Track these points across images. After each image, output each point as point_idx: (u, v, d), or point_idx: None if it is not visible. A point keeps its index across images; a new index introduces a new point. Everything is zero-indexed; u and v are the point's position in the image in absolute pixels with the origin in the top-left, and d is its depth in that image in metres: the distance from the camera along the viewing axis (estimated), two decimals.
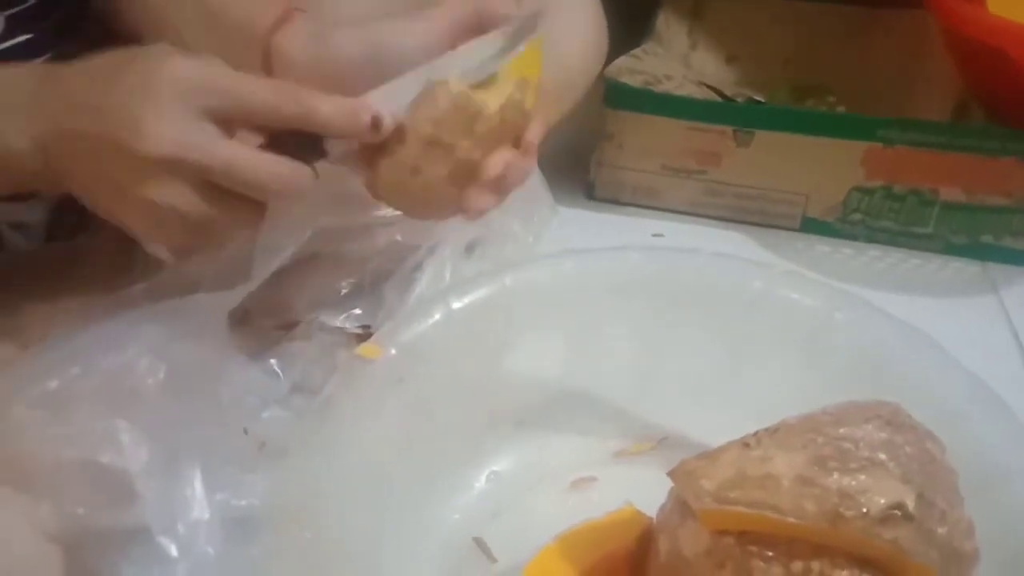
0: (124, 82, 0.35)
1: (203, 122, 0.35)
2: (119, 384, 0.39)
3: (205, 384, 0.43)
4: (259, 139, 0.38)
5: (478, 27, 0.41)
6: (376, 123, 0.37)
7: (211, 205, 0.37)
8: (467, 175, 0.40)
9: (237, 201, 0.38)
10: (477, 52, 0.41)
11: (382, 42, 0.40)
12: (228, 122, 0.37)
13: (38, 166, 0.37)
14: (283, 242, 0.45)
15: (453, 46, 0.41)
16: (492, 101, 0.39)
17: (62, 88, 0.37)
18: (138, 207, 0.37)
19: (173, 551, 0.37)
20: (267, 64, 0.42)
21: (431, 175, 0.40)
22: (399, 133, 0.39)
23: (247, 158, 0.36)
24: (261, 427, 0.46)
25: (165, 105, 0.35)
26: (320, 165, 0.44)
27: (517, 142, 0.41)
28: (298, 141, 0.38)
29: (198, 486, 0.39)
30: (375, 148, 0.40)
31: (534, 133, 0.42)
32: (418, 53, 0.40)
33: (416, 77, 0.39)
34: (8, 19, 0.47)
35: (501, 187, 0.41)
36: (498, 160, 0.40)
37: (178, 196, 0.36)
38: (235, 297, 0.44)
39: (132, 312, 0.42)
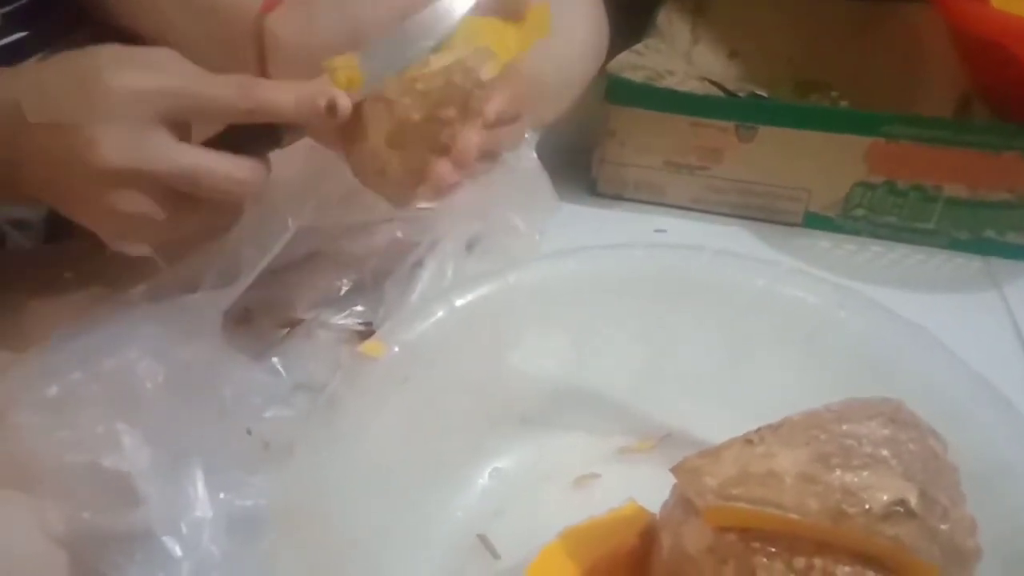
0: (72, 95, 0.35)
1: (156, 129, 0.35)
2: (120, 387, 0.39)
3: (205, 384, 0.43)
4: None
5: None
6: (332, 106, 0.37)
7: (175, 209, 0.37)
8: (417, 144, 0.40)
9: (202, 203, 0.38)
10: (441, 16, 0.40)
11: (359, 17, 0.40)
12: (182, 122, 0.37)
13: (5, 182, 0.37)
14: (270, 239, 0.45)
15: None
16: (435, 61, 0.38)
17: (14, 105, 0.36)
18: (103, 215, 0.37)
19: (177, 551, 0.37)
20: (259, 46, 0.42)
21: (376, 140, 0.39)
22: (357, 111, 0.38)
23: (203, 164, 0.36)
24: (264, 426, 0.46)
25: (117, 116, 0.35)
26: (320, 162, 0.44)
27: (469, 111, 0.40)
28: (253, 130, 0.38)
29: (200, 486, 0.39)
30: (344, 129, 0.39)
31: (493, 105, 0.40)
32: (394, 23, 0.40)
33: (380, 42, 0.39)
34: (4, 17, 0.47)
35: (463, 162, 0.40)
36: (467, 135, 0.40)
37: (140, 203, 0.36)
38: (229, 296, 0.44)
39: (131, 313, 0.42)
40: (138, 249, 0.44)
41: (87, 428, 0.37)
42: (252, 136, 0.38)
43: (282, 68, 0.42)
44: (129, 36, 0.50)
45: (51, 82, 0.36)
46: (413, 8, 0.40)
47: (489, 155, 0.43)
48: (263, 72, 0.43)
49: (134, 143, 0.35)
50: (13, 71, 0.38)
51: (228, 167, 0.37)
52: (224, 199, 0.38)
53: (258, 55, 0.43)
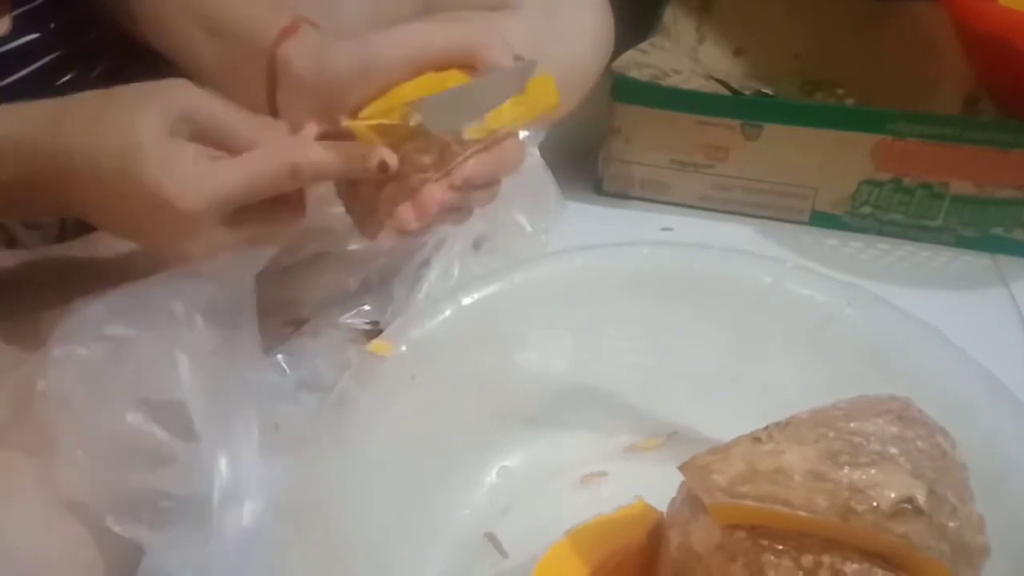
0: (136, 207, 0.36)
1: (220, 225, 0.37)
2: (169, 331, 0.38)
3: (234, 371, 0.42)
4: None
5: (467, 64, 0.41)
6: (384, 167, 0.39)
7: (247, 227, 0.38)
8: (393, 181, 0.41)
9: (264, 209, 0.39)
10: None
11: (373, 54, 0.40)
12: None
13: (27, 198, 0.39)
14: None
15: (437, 69, 0.41)
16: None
17: (67, 140, 0.37)
18: (186, 259, 0.38)
19: (224, 469, 0.37)
20: (272, 76, 0.42)
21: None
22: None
23: (260, 169, 0.37)
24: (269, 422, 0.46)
25: (188, 229, 0.36)
26: None
27: (444, 163, 0.40)
28: None
29: (253, 422, 0.39)
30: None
31: (464, 170, 0.40)
32: (406, 67, 0.40)
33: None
34: (15, 18, 0.47)
35: (422, 213, 0.40)
36: (430, 189, 0.40)
37: (219, 240, 0.38)
38: (261, 260, 0.43)
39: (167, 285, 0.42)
40: None
41: (147, 355, 0.37)
42: None
43: (291, 97, 0.42)
44: (143, 47, 0.50)
45: (103, 175, 0.36)
46: (428, 50, 0.40)
47: (456, 212, 0.43)
48: (271, 99, 0.43)
49: (212, 243, 0.37)
50: (49, 114, 0.38)
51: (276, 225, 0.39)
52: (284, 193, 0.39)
53: (269, 83, 0.43)
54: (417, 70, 0.40)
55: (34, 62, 0.48)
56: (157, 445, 0.36)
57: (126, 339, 0.37)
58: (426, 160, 0.40)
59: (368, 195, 0.42)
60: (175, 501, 0.37)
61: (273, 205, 0.39)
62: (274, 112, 0.43)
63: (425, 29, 0.41)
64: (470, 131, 0.40)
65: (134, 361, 0.37)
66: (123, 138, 0.36)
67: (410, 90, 0.40)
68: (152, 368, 0.37)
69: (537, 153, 0.58)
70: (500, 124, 0.41)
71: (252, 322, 0.42)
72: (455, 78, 0.41)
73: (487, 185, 0.42)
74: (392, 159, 0.39)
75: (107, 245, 0.49)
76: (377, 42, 0.40)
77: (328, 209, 0.50)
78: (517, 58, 0.41)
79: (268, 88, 0.43)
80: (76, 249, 0.50)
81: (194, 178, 0.36)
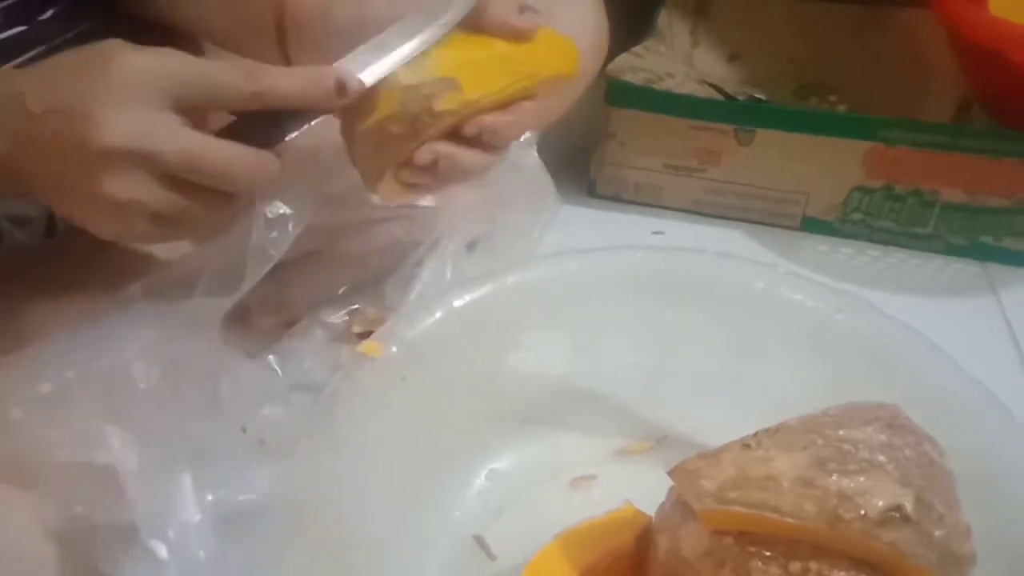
0: (80, 82, 0.35)
1: (162, 112, 0.35)
2: (113, 387, 0.39)
3: (201, 383, 0.43)
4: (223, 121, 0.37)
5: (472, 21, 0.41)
6: (341, 86, 0.37)
7: (175, 197, 0.36)
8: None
9: (203, 193, 0.37)
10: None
11: (372, 15, 0.40)
12: (191, 111, 0.36)
13: (4, 173, 0.37)
14: (277, 241, 0.44)
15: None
16: (403, 75, 0.39)
17: (18, 97, 0.36)
18: (99, 204, 0.36)
19: (164, 553, 0.37)
20: (280, 26, 0.42)
21: (366, 125, 0.40)
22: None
23: (208, 147, 0.36)
24: (259, 424, 0.46)
25: (120, 97, 0.34)
26: (321, 160, 0.44)
27: (416, 133, 0.40)
28: (263, 122, 0.38)
29: (189, 488, 0.39)
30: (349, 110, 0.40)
31: (431, 149, 0.40)
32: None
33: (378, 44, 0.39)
34: (5, 10, 0.47)
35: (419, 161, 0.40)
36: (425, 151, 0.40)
37: (138, 187, 0.35)
38: (228, 302, 0.43)
39: (129, 312, 0.42)
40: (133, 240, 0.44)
41: (77, 427, 0.37)
42: (258, 126, 0.38)
43: (300, 47, 0.42)
44: (140, 28, 0.50)
45: (58, 71, 0.36)
46: (426, 7, 0.40)
47: (463, 169, 0.42)
48: (284, 56, 0.44)
49: (136, 122, 0.34)
50: (19, 69, 0.38)
51: (233, 152, 0.36)
52: (226, 187, 0.37)
53: (279, 38, 0.43)
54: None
55: (22, 55, 0.48)
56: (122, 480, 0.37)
57: (60, 401, 0.37)
58: (395, 130, 0.40)
59: (371, 147, 0.41)
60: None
61: (211, 194, 0.37)
62: (286, 64, 0.43)
63: None
64: (443, 102, 0.39)
65: (66, 426, 0.37)
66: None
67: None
68: (85, 438, 0.37)
69: (535, 154, 0.58)
70: (482, 93, 0.40)
71: (216, 345, 0.42)
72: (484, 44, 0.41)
73: (497, 145, 0.42)
74: (353, 81, 0.38)
75: (94, 241, 0.48)
76: (373, 4, 0.40)
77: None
78: (524, 8, 0.41)
79: (278, 39, 0.43)
80: (63, 245, 0.50)
81: (150, 52, 0.35)
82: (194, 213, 0.37)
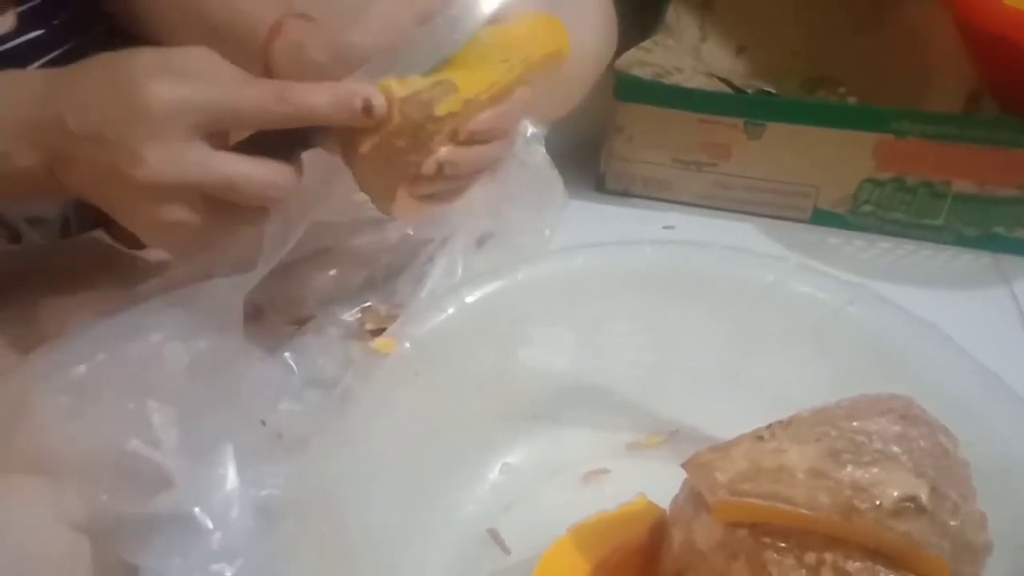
0: (112, 108, 0.36)
1: (194, 140, 0.36)
2: (145, 370, 0.39)
3: (225, 372, 0.43)
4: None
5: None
6: (368, 106, 0.38)
7: (213, 216, 0.38)
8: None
9: (238, 209, 0.38)
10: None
11: (346, 45, 0.41)
12: (220, 132, 0.37)
13: (48, 182, 0.38)
14: (290, 230, 0.45)
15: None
16: (398, 88, 0.39)
17: (56, 111, 0.37)
18: (146, 223, 0.38)
19: (208, 524, 0.38)
20: (269, 75, 0.43)
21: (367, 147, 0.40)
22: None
23: (242, 172, 0.37)
24: (276, 419, 0.47)
25: (152, 131, 0.35)
26: (329, 162, 0.44)
27: (419, 142, 0.40)
28: (283, 133, 0.38)
29: (230, 464, 0.39)
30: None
31: (434, 159, 0.40)
32: (381, 47, 0.40)
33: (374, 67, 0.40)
34: (19, 15, 0.47)
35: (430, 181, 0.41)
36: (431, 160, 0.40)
37: (181, 213, 0.37)
38: (250, 281, 0.44)
39: (147, 307, 0.42)
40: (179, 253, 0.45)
41: (115, 407, 0.37)
42: (282, 139, 0.38)
43: None
44: (144, 38, 0.50)
45: (91, 92, 0.37)
46: (402, 32, 0.40)
47: (475, 171, 0.43)
48: None
49: (175, 157, 0.35)
50: (47, 76, 0.38)
51: (265, 173, 0.37)
52: (261, 203, 0.39)
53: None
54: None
55: (38, 59, 0.48)
56: (155, 470, 0.37)
57: (94, 384, 0.38)
58: (400, 144, 0.39)
59: (378, 166, 0.41)
60: (172, 521, 0.37)
61: (246, 208, 0.39)
62: None
63: (391, 13, 0.41)
64: (443, 106, 0.39)
65: (103, 406, 0.37)
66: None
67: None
68: (124, 416, 0.37)
69: (543, 150, 0.58)
70: (479, 89, 0.40)
71: (239, 338, 0.42)
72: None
73: (498, 137, 0.42)
74: (379, 100, 0.38)
75: (110, 241, 0.49)
76: (349, 31, 0.41)
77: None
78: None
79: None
80: (79, 245, 0.50)
81: (179, 78, 0.36)
82: (228, 227, 0.39)
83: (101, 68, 0.37)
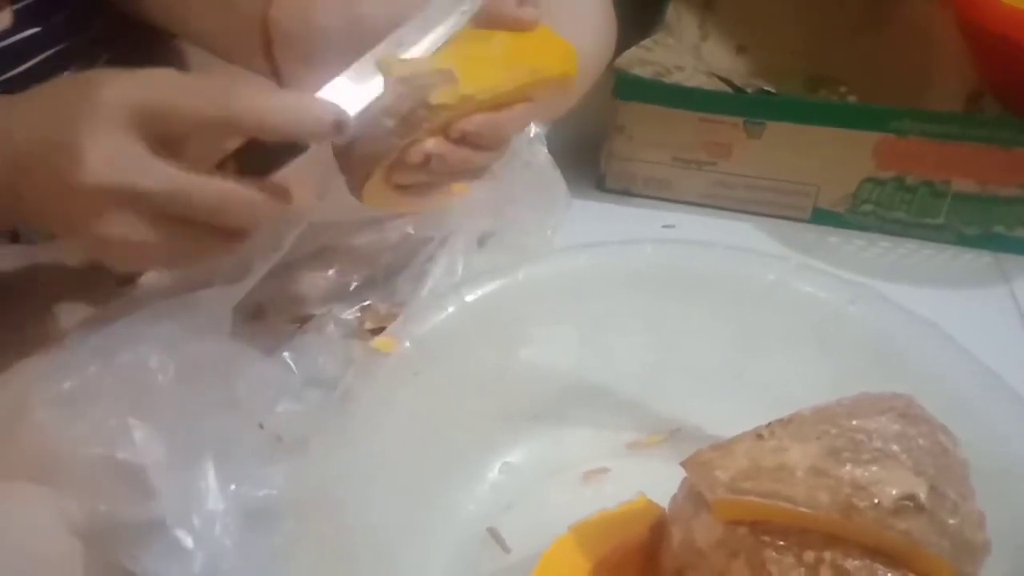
0: (57, 110, 0.34)
1: (133, 143, 0.33)
2: (133, 381, 0.39)
3: (217, 378, 0.43)
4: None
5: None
6: (340, 126, 0.35)
7: (166, 234, 0.34)
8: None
9: (198, 229, 0.35)
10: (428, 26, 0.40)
11: (361, 13, 0.39)
12: (166, 138, 0.34)
13: (11, 204, 0.36)
14: (281, 235, 0.44)
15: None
16: (398, 68, 0.38)
17: (7, 127, 0.35)
18: (95, 241, 0.35)
19: (189, 543, 0.37)
20: (265, 38, 0.42)
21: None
22: None
23: (195, 183, 0.34)
24: (276, 420, 0.47)
25: (91, 126, 0.33)
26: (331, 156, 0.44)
27: (408, 125, 0.39)
28: (263, 151, 0.36)
29: (212, 479, 0.39)
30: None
31: (423, 147, 0.39)
32: (394, 22, 0.39)
33: (367, 62, 0.38)
34: (16, 13, 0.47)
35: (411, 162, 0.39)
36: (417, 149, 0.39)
37: (126, 227, 0.34)
38: (238, 292, 0.43)
39: (143, 310, 0.42)
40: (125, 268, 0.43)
41: (101, 422, 0.38)
42: (259, 155, 0.36)
43: (286, 57, 0.42)
44: (145, 31, 0.50)
45: (43, 99, 0.35)
46: (413, 4, 0.39)
47: (458, 171, 0.41)
48: (270, 63, 0.43)
49: (115, 158, 0.33)
50: (18, 97, 0.37)
51: (224, 186, 0.34)
52: (224, 223, 0.36)
53: (264, 45, 0.42)
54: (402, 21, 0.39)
55: (35, 56, 0.48)
56: (145, 479, 0.37)
57: (83, 396, 0.37)
58: (388, 124, 0.38)
59: (360, 142, 0.39)
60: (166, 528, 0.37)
61: (210, 229, 0.36)
62: (277, 76, 0.43)
63: None
64: (439, 95, 0.38)
65: (90, 421, 0.37)
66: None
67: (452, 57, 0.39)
68: (108, 432, 0.37)
69: (546, 150, 0.58)
70: (479, 88, 0.39)
71: (228, 343, 0.42)
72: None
73: (490, 145, 0.41)
74: (347, 118, 0.36)
75: None
76: (361, 2, 0.40)
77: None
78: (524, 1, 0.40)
79: (265, 51, 0.42)
80: (74, 247, 0.50)
81: (127, 78, 0.33)
82: (202, 244, 0.36)
83: (62, 82, 0.37)
